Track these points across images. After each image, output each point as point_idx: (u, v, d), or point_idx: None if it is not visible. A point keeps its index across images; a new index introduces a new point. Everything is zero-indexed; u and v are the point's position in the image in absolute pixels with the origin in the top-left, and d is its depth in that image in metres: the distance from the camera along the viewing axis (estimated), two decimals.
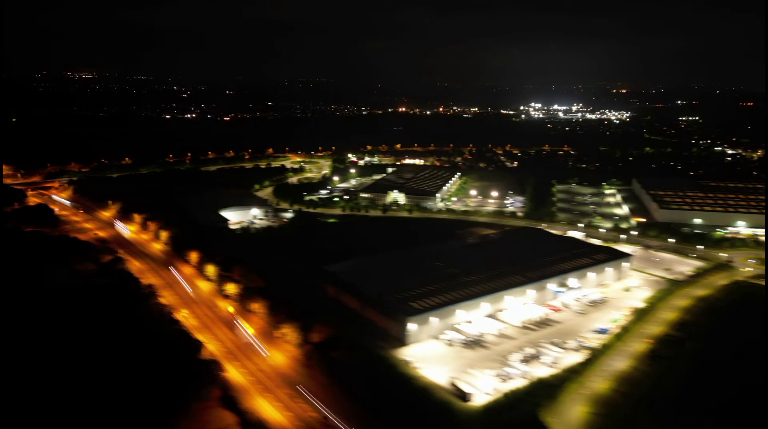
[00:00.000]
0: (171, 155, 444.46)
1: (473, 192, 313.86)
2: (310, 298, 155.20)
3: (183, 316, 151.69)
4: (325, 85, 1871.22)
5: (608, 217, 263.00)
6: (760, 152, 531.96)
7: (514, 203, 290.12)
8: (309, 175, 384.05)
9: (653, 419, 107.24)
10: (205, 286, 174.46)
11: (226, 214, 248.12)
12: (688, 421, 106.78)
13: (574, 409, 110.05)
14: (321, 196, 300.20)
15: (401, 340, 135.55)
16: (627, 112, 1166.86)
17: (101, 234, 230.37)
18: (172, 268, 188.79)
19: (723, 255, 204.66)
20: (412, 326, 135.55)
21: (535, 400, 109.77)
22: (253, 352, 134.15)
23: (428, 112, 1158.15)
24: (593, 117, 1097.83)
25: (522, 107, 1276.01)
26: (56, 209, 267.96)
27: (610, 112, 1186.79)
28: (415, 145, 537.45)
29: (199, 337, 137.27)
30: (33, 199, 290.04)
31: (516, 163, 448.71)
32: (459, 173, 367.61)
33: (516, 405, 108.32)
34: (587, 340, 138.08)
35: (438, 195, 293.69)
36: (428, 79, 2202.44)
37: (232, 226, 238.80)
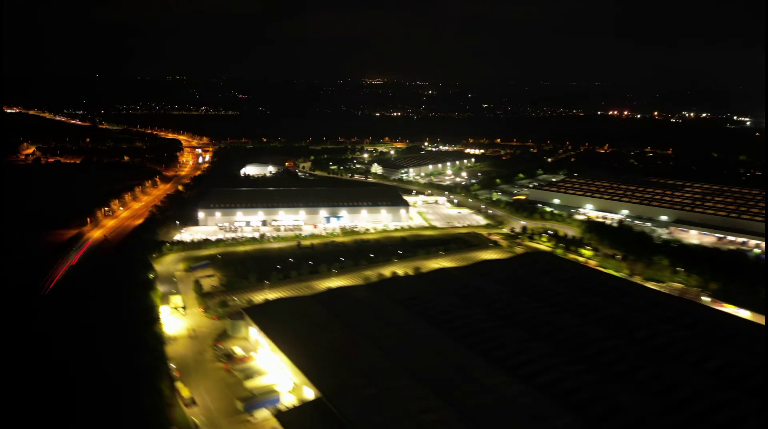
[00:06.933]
0: (310, 138, 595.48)
1: (449, 172, 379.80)
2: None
3: None
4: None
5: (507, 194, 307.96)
6: None
7: (462, 182, 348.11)
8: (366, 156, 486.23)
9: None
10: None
11: (247, 168, 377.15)
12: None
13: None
14: (336, 166, 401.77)
15: (196, 222, 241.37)
16: None
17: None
18: None
19: (521, 222, 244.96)
20: (200, 214, 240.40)
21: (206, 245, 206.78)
22: None
23: (638, 116, 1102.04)
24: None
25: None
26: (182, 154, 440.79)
27: None
28: (514, 140, 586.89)
29: None
30: (187, 151, 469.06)
31: (551, 159, 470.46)
32: (473, 160, 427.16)
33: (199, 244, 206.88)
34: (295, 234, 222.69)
35: (411, 170, 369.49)
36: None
37: (242, 175, 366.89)
